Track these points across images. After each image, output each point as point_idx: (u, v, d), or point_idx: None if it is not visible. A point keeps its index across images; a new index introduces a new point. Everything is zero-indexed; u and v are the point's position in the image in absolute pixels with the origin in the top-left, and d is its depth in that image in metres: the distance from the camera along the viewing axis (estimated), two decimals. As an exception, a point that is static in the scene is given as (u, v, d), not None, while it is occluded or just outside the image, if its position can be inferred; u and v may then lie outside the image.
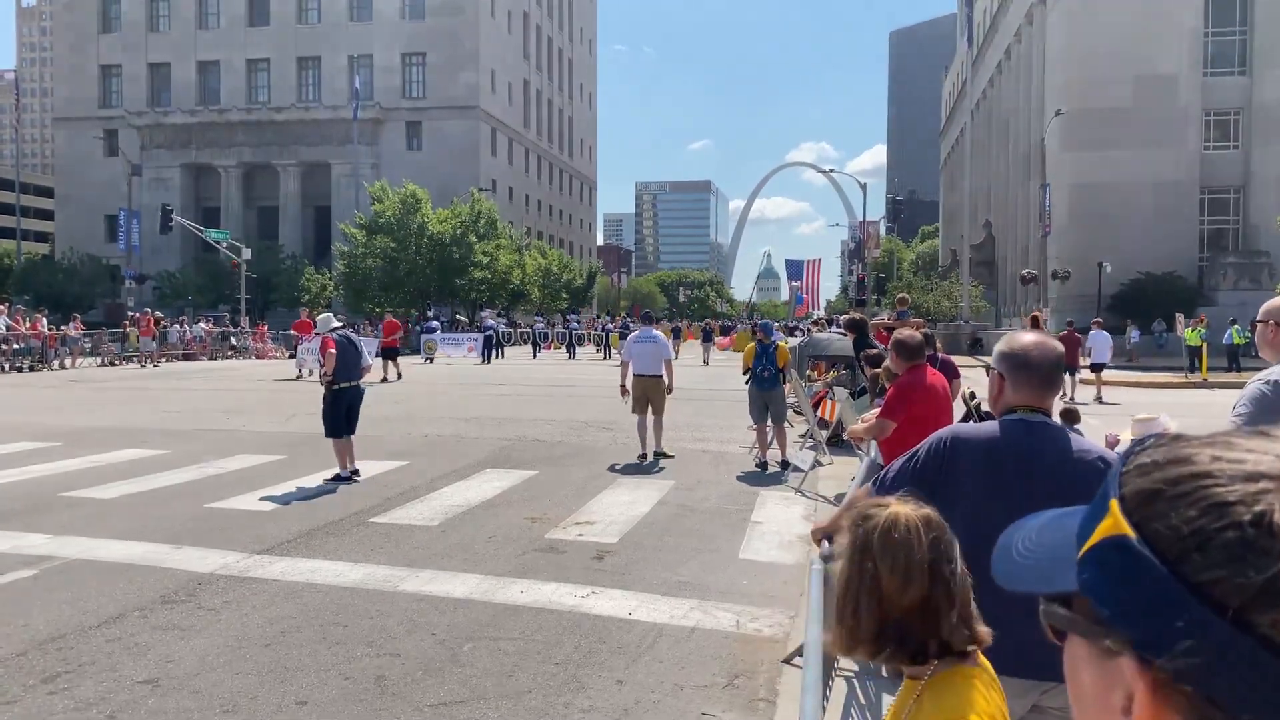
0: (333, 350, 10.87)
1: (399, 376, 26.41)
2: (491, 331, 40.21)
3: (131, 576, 6.91)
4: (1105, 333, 23.88)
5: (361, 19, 74.29)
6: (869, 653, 1.82)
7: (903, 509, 1.87)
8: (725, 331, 55.60)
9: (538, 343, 46.82)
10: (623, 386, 12.70)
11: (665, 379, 12.48)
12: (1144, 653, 0.63)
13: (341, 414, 10.85)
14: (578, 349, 45.82)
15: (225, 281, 58.55)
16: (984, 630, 1.81)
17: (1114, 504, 0.67)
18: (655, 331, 13.14)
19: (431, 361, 36.99)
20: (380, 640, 5.65)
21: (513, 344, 48.72)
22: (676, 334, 48.50)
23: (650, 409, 12.35)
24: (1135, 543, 0.64)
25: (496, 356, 40.33)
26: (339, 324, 11.82)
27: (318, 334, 11.57)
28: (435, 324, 43.08)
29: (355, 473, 10.81)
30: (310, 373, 27.01)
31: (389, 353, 27.29)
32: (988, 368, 3.04)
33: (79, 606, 6.23)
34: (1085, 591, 0.68)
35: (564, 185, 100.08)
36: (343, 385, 10.95)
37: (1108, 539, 0.66)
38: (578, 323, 51.98)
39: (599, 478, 11.07)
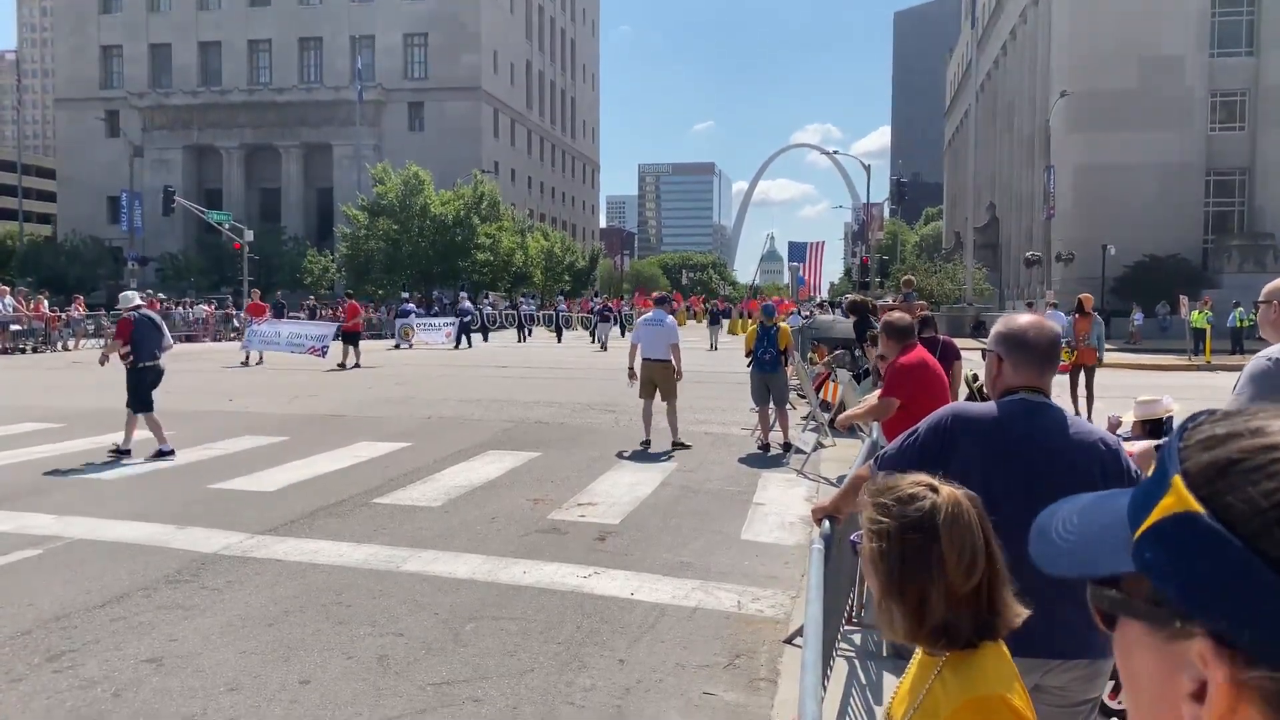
0: (125, 333, 11.20)
1: (357, 364, 24.53)
2: (468, 315, 37.10)
3: (135, 556, 6.94)
4: (1061, 313, 24.10)
5: (363, -1, 74.05)
6: (930, 641, 1.78)
7: (956, 491, 1.82)
8: (725, 314, 54.59)
9: (524, 325, 44.09)
10: (630, 369, 12.35)
11: (674, 364, 12.12)
12: (1223, 635, 0.59)
13: (148, 390, 11.18)
14: (565, 332, 43.72)
15: (228, 263, 58.57)
16: (1020, 609, 1.79)
17: (1177, 479, 0.64)
18: (665, 315, 12.73)
19: (408, 347, 34.44)
20: (383, 620, 5.68)
21: (498, 327, 46.41)
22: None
23: (658, 394, 12.01)
24: (1206, 518, 0.61)
25: (483, 340, 38.44)
26: (140, 303, 11.97)
27: (118, 312, 11.77)
28: (411, 307, 39.84)
29: (127, 452, 10.93)
30: (260, 359, 25.94)
31: (350, 337, 25.56)
32: (984, 351, 3.03)
33: (83, 586, 6.25)
34: (1149, 572, 0.64)
35: (566, 167, 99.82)
36: (145, 364, 11.24)
37: (1171, 516, 0.63)
38: (564, 305, 48.48)
39: (601, 459, 11.08)
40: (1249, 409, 0.66)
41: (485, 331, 41.92)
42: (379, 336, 40.21)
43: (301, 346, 26.45)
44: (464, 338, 35.46)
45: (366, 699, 4.57)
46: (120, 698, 4.57)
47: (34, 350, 30.18)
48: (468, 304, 38.82)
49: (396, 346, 34.49)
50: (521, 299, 53.13)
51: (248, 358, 26.06)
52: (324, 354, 25.95)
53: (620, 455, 11.38)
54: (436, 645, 5.28)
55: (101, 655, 5.09)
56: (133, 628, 5.52)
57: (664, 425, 12.05)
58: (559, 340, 40.90)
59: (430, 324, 37.93)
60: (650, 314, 12.80)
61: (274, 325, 28.31)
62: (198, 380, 20.56)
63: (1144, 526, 0.65)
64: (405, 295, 43.58)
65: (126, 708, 4.46)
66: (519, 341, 40.25)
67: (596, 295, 56.97)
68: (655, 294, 15.07)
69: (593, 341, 36.09)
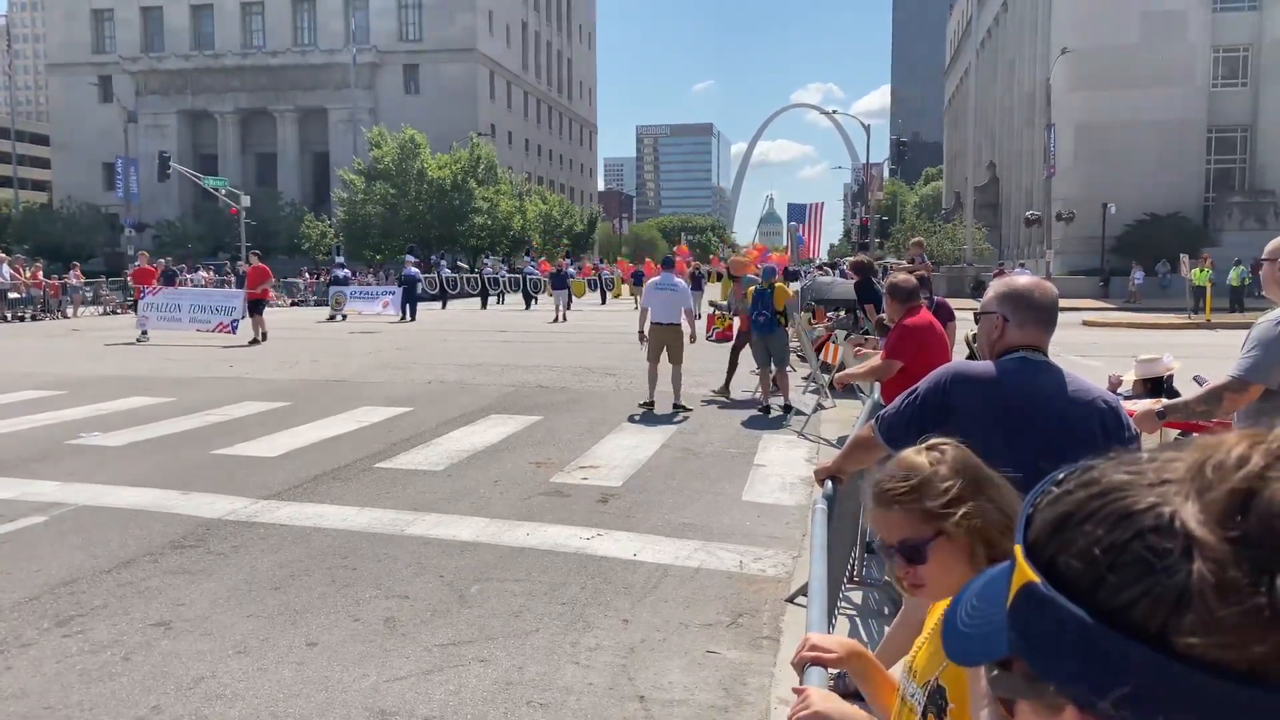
0: None
1: (264, 337, 21.65)
2: (415, 281, 32.02)
3: (141, 522, 6.98)
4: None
5: (356, -40, 73.03)
6: None
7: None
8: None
9: (488, 291, 40.07)
10: (640, 333, 12.21)
11: (687, 329, 12.03)
12: (1082, 704, 0.56)
13: None
14: (536, 299, 38.60)
15: (225, 229, 58.40)
16: None
17: (1017, 550, 0.63)
18: (676, 278, 12.57)
19: (344, 318, 30.82)
20: (389, 582, 5.72)
21: (459, 293, 41.97)
22: (638, 279, 37.13)
23: (667, 358, 11.92)
24: (1040, 587, 0.59)
25: (441, 308, 35.62)
26: None
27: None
28: (345, 273, 36.22)
29: None
30: (145, 334, 22.34)
31: (253, 306, 22.01)
32: (977, 313, 3.03)
33: (90, 552, 6.30)
34: (1014, 652, 0.62)
35: (564, 129, 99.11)
36: None
37: (1019, 590, 0.61)
38: (534, 268, 42.19)
39: (603, 422, 11.11)
40: (1089, 464, 0.63)
41: (444, 298, 38.98)
42: (304, 304, 38.50)
43: (209, 323, 22.83)
44: (410, 307, 30.43)
45: (374, 660, 4.62)
46: (130, 661, 4.62)
47: (33, 318, 30.18)
48: (413, 269, 32.49)
49: (331, 318, 31.05)
50: (485, 260, 48.07)
51: (143, 334, 22.59)
52: (234, 329, 22.38)
53: (622, 418, 11.41)
54: (442, 607, 5.33)
55: (110, 620, 5.14)
56: (140, 592, 5.56)
57: (666, 388, 12.04)
58: (527, 307, 37.07)
59: (366, 292, 34.06)
60: (659, 278, 12.55)
61: (172, 295, 24.29)
62: (200, 347, 20.56)
63: (1009, 605, 0.64)
64: (339, 261, 39.33)
65: (137, 670, 4.51)
66: (482, 309, 36.71)
67: (568, 256, 46.43)
68: (665, 256, 14.95)
69: (566, 307, 31.14)
